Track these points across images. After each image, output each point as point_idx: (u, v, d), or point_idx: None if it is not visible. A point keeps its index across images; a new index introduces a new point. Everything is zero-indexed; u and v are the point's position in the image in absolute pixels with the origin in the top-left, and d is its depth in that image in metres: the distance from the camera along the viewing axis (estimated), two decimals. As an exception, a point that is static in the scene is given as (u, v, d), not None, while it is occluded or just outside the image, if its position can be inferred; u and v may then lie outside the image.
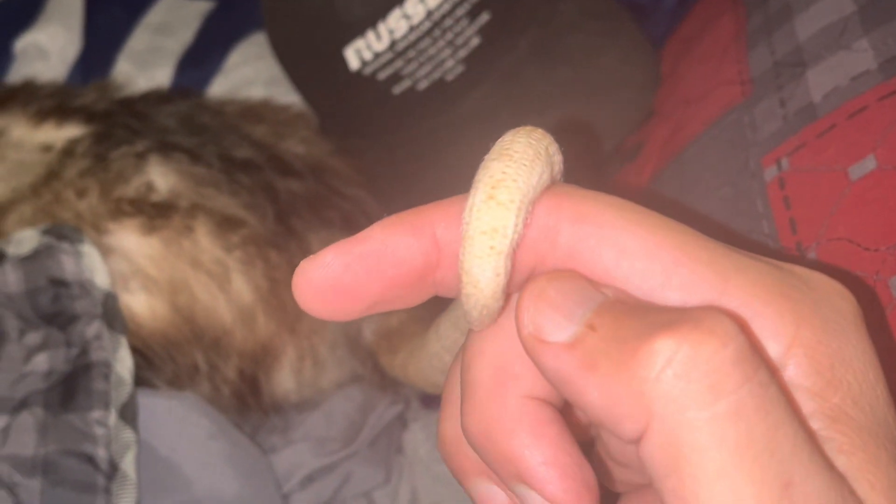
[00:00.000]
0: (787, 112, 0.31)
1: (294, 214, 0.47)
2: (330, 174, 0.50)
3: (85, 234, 0.43)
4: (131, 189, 0.46)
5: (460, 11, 0.48)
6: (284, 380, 0.46)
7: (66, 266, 0.43)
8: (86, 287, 0.43)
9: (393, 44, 0.48)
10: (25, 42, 0.63)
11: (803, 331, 0.18)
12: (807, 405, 0.17)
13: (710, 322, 0.16)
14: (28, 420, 0.40)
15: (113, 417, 0.41)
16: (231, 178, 0.47)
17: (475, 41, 0.49)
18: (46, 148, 0.49)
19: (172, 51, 0.62)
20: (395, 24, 0.48)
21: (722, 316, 0.16)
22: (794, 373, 0.17)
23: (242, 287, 0.45)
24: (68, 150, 0.48)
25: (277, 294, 0.45)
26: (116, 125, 0.49)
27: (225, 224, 0.45)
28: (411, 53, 0.49)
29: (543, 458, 0.19)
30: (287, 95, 0.57)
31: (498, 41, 0.49)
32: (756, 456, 0.15)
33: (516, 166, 0.19)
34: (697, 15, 0.47)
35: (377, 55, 0.49)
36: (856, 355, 0.18)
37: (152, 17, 0.64)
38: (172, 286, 0.44)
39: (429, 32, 0.48)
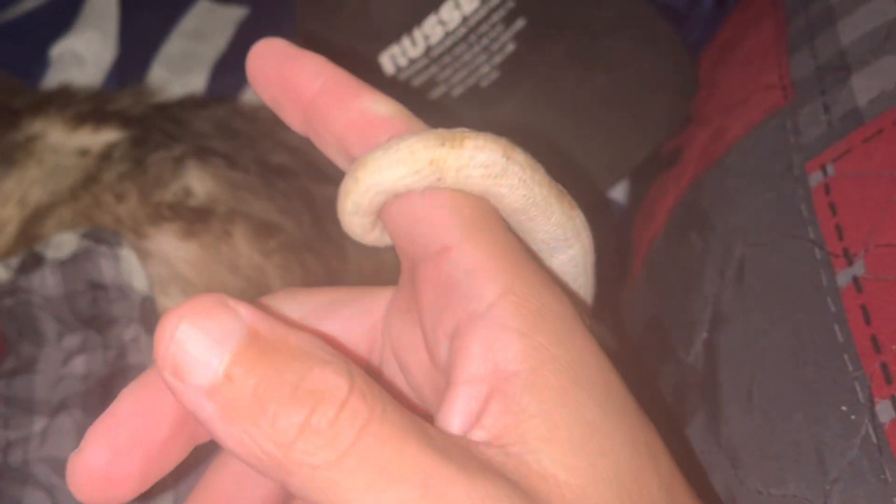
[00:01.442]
0: (831, 117, 0.31)
1: (330, 220, 0.47)
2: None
3: (124, 237, 0.44)
4: (170, 193, 0.46)
5: (496, 17, 0.49)
6: None
7: (105, 269, 0.44)
8: (124, 290, 0.44)
9: (428, 50, 0.49)
10: (61, 48, 0.64)
11: (517, 284, 0.19)
12: (515, 344, 0.18)
13: (321, 383, 0.17)
14: (66, 422, 0.41)
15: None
16: (267, 183, 0.48)
17: (510, 47, 0.49)
18: (84, 152, 0.50)
19: (207, 57, 0.62)
20: (431, 30, 0.48)
21: (329, 374, 0.17)
22: (504, 313, 0.19)
23: None
24: (105, 155, 0.49)
25: None
26: (153, 129, 0.50)
27: (262, 229, 0.46)
28: (446, 59, 0.49)
29: None
30: (320, 101, 0.57)
31: (533, 47, 0.49)
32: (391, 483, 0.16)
33: (444, 149, 0.21)
34: (735, 20, 0.47)
35: (412, 61, 0.49)
36: (561, 306, 0.19)
37: (187, 23, 0.65)
38: (210, 291, 0.45)
39: (464, 38, 0.49)
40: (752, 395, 0.27)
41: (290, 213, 0.47)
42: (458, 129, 0.22)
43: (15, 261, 0.46)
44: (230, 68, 0.62)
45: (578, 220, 0.23)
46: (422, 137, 0.22)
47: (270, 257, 0.45)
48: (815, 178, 0.30)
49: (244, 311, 0.18)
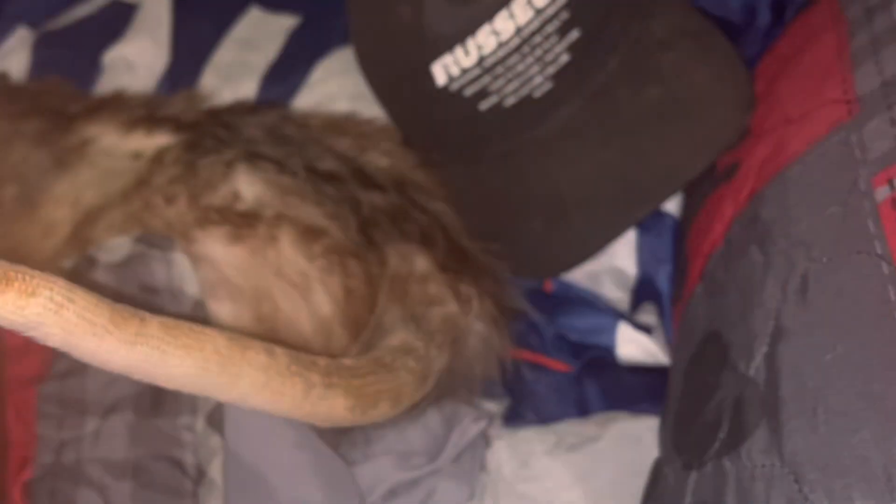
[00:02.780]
0: (898, 131, 0.31)
1: (375, 226, 0.48)
2: (412, 187, 0.51)
3: (177, 242, 0.45)
4: (218, 197, 0.47)
5: (550, 28, 0.49)
6: None
7: (158, 274, 0.45)
8: (176, 295, 0.45)
9: (481, 60, 0.49)
10: (114, 55, 0.66)
11: None
12: None
13: None
14: (118, 424, 0.42)
15: (200, 423, 0.42)
16: (316, 188, 0.48)
17: (564, 58, 0.49)
18: (136, 155, 0.51)
19: (257, 65, 0.64)
20: (484, 41, 0.49)
21: None
22: None
23: (322, 298, 0.46)
24: (158, 159, 0.50)
25: (352, 305, 0.46)
26: (205, 135, 0.51)
27: (308, 233, 0.46)
28: (499, 70, 0.50)
29: None
30: (371, 110, 0.58)
31: (587, 58, 0.50)
32: None
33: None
34: (795, 33, 0.48)
35: (465, 71, 0.50)
36: None
37: (238, 32, 0.66)
38: (256, 295, 0.45)
39: (517, 49, 0.49)
40: (816, 411, 0.27)
41: (336, 219, 0.47)
42: None
43: (68, 264, 0.47)
44: (281, 77, 0.63)
45: (33, 305, 0.27)
46: None
47: (314, 261, 0.46)
48: (882, 193, 0.30)
49: None
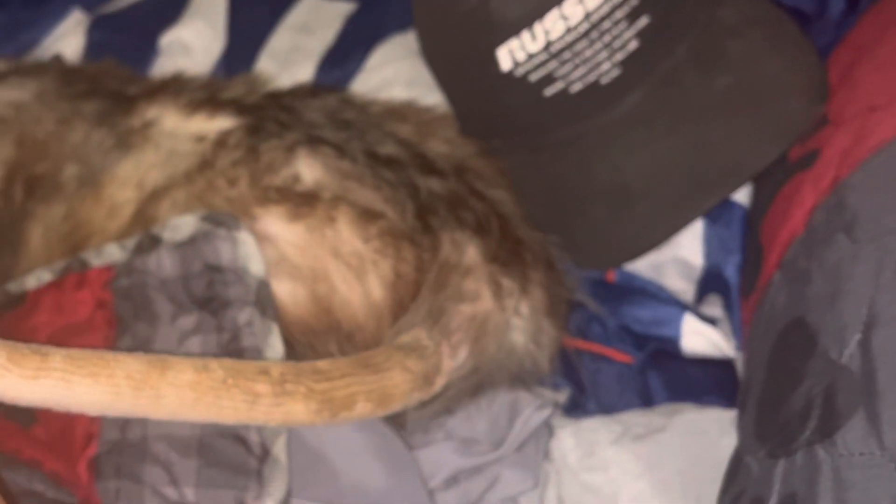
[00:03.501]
0: None
1: (432, 212, 0.47)
2: (472, 175, 0.51)
3: (242, 222, 0.45)
4: (279, 178, 0.47)
5: (619, 14, 0.49)
6: None
7: (223, 252, 0.45)
8: (240, 274, 0.45)
9: (548, 45, 0.49)
10: (170, 38, 0.67)
11: None
12: None
13: None
14: (182, 401, 0.42)
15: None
16: (375, 173, 0.48)
17: (633, 44, 0.49)
18: (200, 138, 0.51)
19: (314, 50, 0.64)
20: (552, 25, 0.49)
21: None
22: None
23: (375, 282, 0.46)
24: (220, 141, 0.50)
25: (400, 290, 0.46)
26: (267, 118, 0.51)
27: (365, 216, 0.46)
28: (566, 55, 0.49)
29: None
30: (428, 97, 0.58)
31: (656, 45, 0.49)
32: None
33: None
34: (870, 22, 0.47)
35: (531, 56, 0.50)
36: None
37: (294, 17, 0.66)
38: (314, 275, 0.45)
39: (586, 34, 0.49)
40: (916, 398, 0.27)
41: (394, 203, 0.47)
42: None
43: (131, 242, 0.47)
44: (337, 62, 0.63)
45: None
46: None
47: (369, 242, 0.46)
48: (982, 179, 0.30)
49: None
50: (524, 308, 0.45)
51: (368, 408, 0.38)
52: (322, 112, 0.53)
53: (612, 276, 0.52)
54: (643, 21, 0.49)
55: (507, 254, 0.47)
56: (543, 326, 0.45)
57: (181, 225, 0.46)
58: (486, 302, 0.44)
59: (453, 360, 0.42)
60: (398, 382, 0.39)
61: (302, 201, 0.46)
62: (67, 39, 0.69)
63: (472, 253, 0.46)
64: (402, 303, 0.44)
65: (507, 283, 0.45)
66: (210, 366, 0.34)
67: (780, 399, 0.33)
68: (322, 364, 0.38)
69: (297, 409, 0.36)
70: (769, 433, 0.34)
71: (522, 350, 0.45)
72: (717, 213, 0.51)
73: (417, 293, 0.44)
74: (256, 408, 0.35)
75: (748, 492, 0.34)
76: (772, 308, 0.38)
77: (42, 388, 0.30)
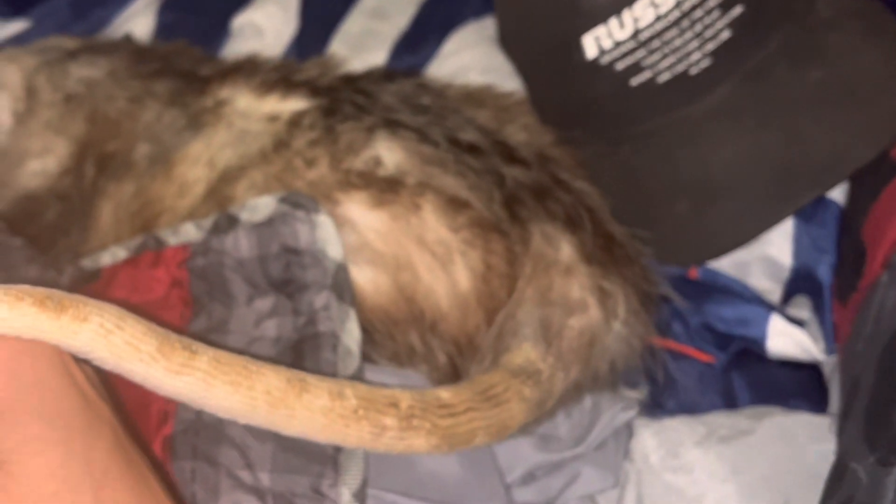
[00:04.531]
0: None
1: (519, 202, 0.47)
2: (555, 164, 0.50)
3: (321, 204, 0.45)
4: (360, 162, 0.47)
5: (712, 2, 0.48)
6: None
7: (301, 235, 0.45)
8: (318, 257, 0.44)
9: (636, 33, 0.48)
10: (242, 20, 0.67)
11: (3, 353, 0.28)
12: None
13: None
14: (257, 384, 0.41)
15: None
16: (458, 159, 0.47)
17: (725, 34, 0.48)
18: (273, 118, 0.51)
19: (388, 35, 0.63)
20: (642, 13, 0.48)
21: None
22: None
23: (462, 272, 0.45)
24: (295, 122, 0.50)
25: (490, 282, 0.45)
26: (343, 100, 0.51)
27: (452, 204, 0.45)
28: (655, 44, 0.48)
29: None
30: (504, 84, 0.57)
31: (749, 36, 0.48)
32: None
33: None
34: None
35: (618, 44, 0.49)
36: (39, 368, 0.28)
37: (368, 1, 0.66)
38: (397, 263, 0.45)
39: (676, 23, 0.48)
40: None
41: (479, 191, 0.46)
42: None
43: (207, 221, 0.47)
44: (412, 48, 0.62)
45: (85, 331, 0.29)
46: None
47: (458, 233, 0.45)
48: None
49: None
50: (621, 310, 0.44)
51: (485, 440, 0.38)
52: (398, 96, 0.52)
53: (694, 273, 0.51)
54: (737, 10, 0.48)
55: (602, 252, 0.45)
56: (636, 328, 0.44)
57: (259, 206, 0.45)
58: (594, 312, 0.43)
59: (565, 383, 0.41)
60: (515, 413, 0.39)
61: (386, 187, 0.45)
62: (138, 19, 0.70)
63: (567, 250, 0.45)
64: (494, 296, 0.44)
65: (608, 286, 0.44)
66: (345, 393, 0.34)
67: (892, 404, 0.32)
68: (446, 395, 0.38)
69: (418, 444, 0.36)
70: (880, 440, 0.33)
71: (618, 354, 0.44)
72: (810, 212, 0.49)
73: (511, 287, 0.44)
74: (380, 440, 0.35)
75: (857, 499, 0.32)
76: (880, 310, 0.37)
77: (182, 384, 0.31)
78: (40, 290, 0.28)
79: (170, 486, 0.35)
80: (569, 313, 0.43)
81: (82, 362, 0.30)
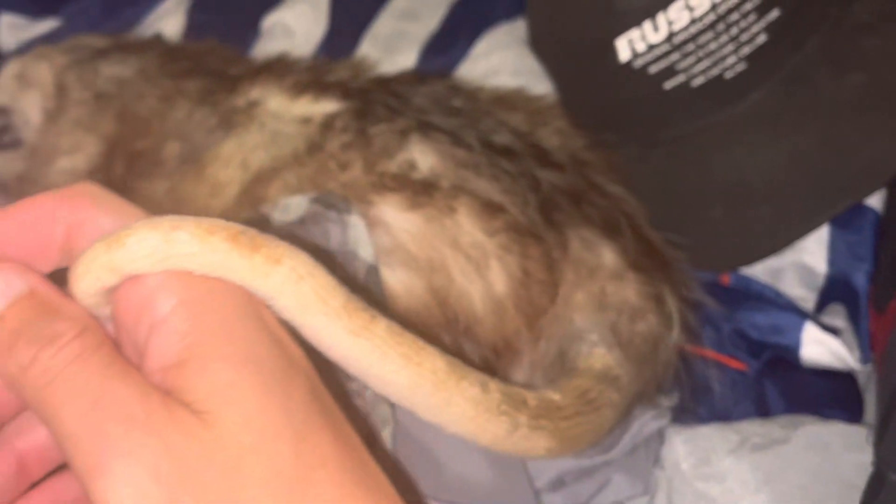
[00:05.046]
0: None
1: (555, 207, 0.46)
2: (589, 168, 0.50)
3: (354, 205, 0.45)
4: (394, 165, 0.47)
5: (748, 6, 0.47)
6: (518, 381, 0.46)
7: (333, 235, 0.45)
8: (349, 258, 0.44)
9: (671, 36, 0.48)
10: (272, 20, 0.67)
11: (187, 295, 0.25)
12: (179, 341, 0.24)
13: (55, 330, 0.25)
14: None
15: (370, 391, 0.42)
16: (492, 162, 0.47)
17: (761, 38, 0.48)
18: (306, 120, 0.51)
19: (417, 37, 0.63)
20: (676, 16, 0.48)
21: (64, 325, 0.25)
22: (176, 318, 0.25)
23: (498, 276, 0.45)
24: (327, 124, 0.50)
25: (529, 288, 0.45)
26: (375, 103, 0.51)
27: (487, 208, 0.45)
28: (690, 47, 0.48)
29: None
30: (535, 86, 0.57)
31: (786, 40, 0.48)
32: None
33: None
34: None
35: (651, 47, 0.48)
36: (229, 306, 0.25)
37: (398, 2, 0.66)
38: (430, 265, 0.45)
39: (712, 26, 0.48)
40: None
41: (514, 195, 0.46)
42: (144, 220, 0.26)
43: (240, 221, 0.47)
44: (442, 49, 0.63)
45: (277, 273, 0.26)
46: (91, 250, 0.26)
47: (494, 237, 0.45)
48: None
49: (31, 276, 0.26)
50: (675, 317, 0.44)
51: (584, 445, 0.38)
52: (430, 98, 0.52)
53: (726, 279, 0.51)
54: (773, 14, 0.47)
55: (645, 258, 0.45)
56: (686, 335, 0.44)
57: (291, 205, 0.46)
58: (653, 319, 0.43)
59: (637, 388, 0.41)
60: (608, 418, 0.39)
61: (420, 189, 0.45)
62: (168, 19, 0.70)
63: (609, 256, 0.45)
64: (534, 302, 0.43)
65: (659, 292, 0.44)
66: (490, 387, 0.33)
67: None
68: (556, 398, 0.38)
69: (539, 445, 0.36)
70: (921, 449, 0.32)
71: (668, 362, 0.44)
72: (847, 218, 0.49)
73: (551, 292, 0.43)
74: (510, 438, 0.34)
75: (897, 510, 0.32)
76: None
77: (358, 347, 0.28)
78: (233, 225, 0.26)
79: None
80: (634, 319, 0.43)
81: None
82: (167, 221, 0.25)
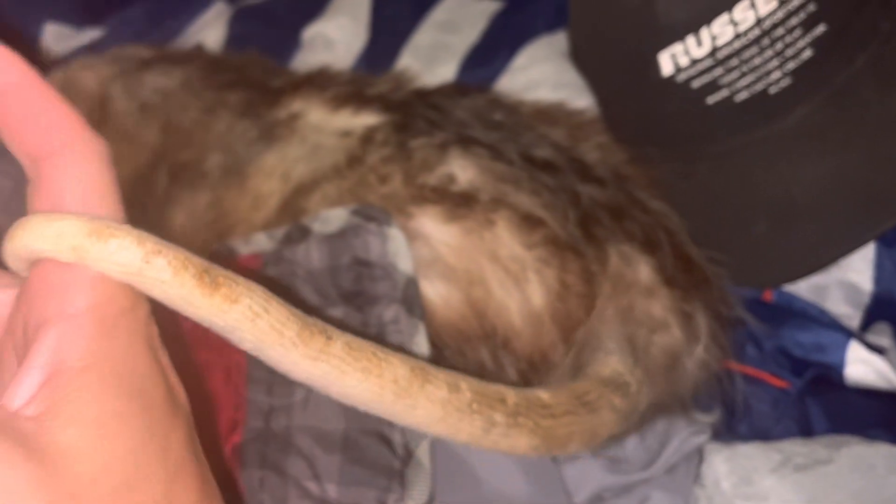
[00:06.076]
0: None
1: (595, 222, 0.47)
2: (631, 183, 0.50)
3: (393, 217, 0.46)
4: (434, 178, 0.48)
5: (794, 21, 0.47)
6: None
7: (372, 247, 0.45)
8: (388, 270, 0.45)
9: (714, 50, 0.48)
10: (313, 32, 0.68)
11: (105, 305, 0.26)
12: (81, 346, 0.25)
13: None
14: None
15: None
16: (532, 176, 0.48)
17: (807, 53, 0.48)
18: (346, 133, 0.52)
19: (458, 49, 0.64)
20: (720, 30, 0.48)
21: None
22: (86, 321, 0.25)
23: (536, 289, 0.45)
24: (368, 138, 0.51)
25: (567, 301, 0.45)
26: (415, 116, 0.52)
27: (526, 222, 0.46)
28: (734, 62, 0.48)
29: None
30: (576, 100, 0.58)
31: (833, 55, 0.48)
32: None
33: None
34: None
35: (695, 61, 0.49)
36: (137, 330, 0.26)
37: (438, 14, 0.67)
38: (469, 278, 0.45)
39: (756, 41, 0.48)
40: None
41: (554, 210, 0.47)
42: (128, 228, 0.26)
43: (280, 232, 0.48)
44: (482, 61, 0.63)
45: (234, 311, 0.28)
46: (75, 223, 0.26)
47: (532, 250, 0.45)
48: None
49: None
50: (702, 334, 0.44)
51: (577, 446, 0.38)
52: (471, 112, 0.53)
53: (769, 295, 0.51)
54: (820, 29, 0.48)
55: (682, 274, 0.46)
56: (715, 352, 0.45)
57: (331, 217, 0.46)
58: (676, 333, 0.44)
59: (649, 399, 0.41)
60: (607, 422, 0.39)
61: (460, 202, 0.46)
62: (209, 30, 0.72)
63: (645, 272, 0.45)
64: (571, 315, 0.44)
65: (689, 309, 0.44)
66: (460, 385, 0.34)
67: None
68: (545, 396, 0.38)
69: (520, 444, 0.36)
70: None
71: (698, 377, 0.44)
72: (893, 236, 0.49)
73: (589, 306, 0.44)
74: (488, 436, 0.35)
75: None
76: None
77: (317, 370, 0.30)
78: (199, 262, 0.27)
79: (234, 493, 0.34)
80: (653, 331, 0.43)
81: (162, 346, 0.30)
82: (151, 242, 0.26)
